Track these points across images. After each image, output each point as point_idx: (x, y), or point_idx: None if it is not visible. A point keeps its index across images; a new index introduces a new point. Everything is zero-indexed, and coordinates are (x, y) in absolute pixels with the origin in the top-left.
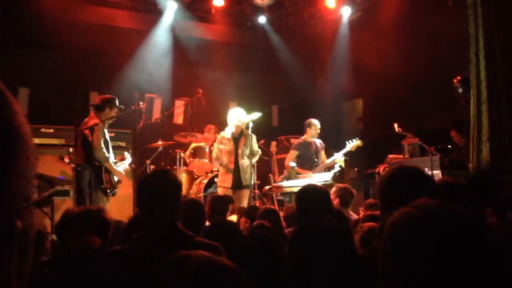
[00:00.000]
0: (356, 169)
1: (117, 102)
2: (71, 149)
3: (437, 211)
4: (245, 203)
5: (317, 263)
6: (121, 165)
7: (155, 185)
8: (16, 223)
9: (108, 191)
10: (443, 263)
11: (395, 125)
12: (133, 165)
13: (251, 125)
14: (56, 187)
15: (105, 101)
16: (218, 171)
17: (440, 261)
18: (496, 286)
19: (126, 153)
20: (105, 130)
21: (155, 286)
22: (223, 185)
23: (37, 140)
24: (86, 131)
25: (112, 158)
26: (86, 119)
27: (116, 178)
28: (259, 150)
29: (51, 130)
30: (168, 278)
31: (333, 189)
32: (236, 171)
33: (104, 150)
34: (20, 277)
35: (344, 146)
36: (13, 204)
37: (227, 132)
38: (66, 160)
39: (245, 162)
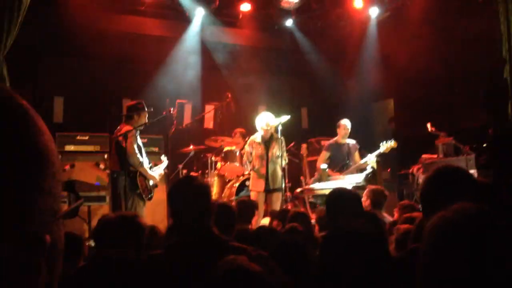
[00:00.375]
0: (389, 170)
1: (144, 106)
2: (106, 156)
3: (476, 215)
4: (277, 206)
5: (348, 267)
6: (157, 169)
7: (181, 191)
8: (45, 238)
9: (144, 196)
10: (481, 268)
11: (428, 125)
12: (165, 170)
13: (280, 128)
14: (82, 199)
15: (131, 109)
16: (249, 174)
17: (479, 265)
18: None
19: (163, 157)
20: (138, 136)
21: None
22: (256, 189)
23: (72, 147)
24: (120, 138)
25: (146, 163)
26: (119, 127)
27: (151, 183)
28: (286, 155)
29: (86, 138)
30: (202, 283)
31: (366, 191)
32: (268, 175)
33: (138, 156)
34: None
35: (375, 147)
36: (41, 221)
37: (257, 136)
38: (102, 166)
39: (275, 162)
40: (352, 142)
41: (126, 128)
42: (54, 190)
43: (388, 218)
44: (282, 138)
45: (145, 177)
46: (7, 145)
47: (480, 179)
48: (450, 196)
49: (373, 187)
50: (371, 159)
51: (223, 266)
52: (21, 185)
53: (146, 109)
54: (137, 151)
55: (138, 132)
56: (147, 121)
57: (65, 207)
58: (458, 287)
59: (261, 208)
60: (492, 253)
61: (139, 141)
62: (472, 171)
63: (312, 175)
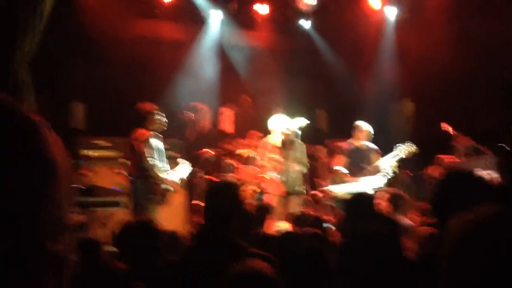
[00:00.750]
0: (407, 171)
1: (153, 108)
2: (123, 160)
3: (499, 216)
4: (295, 210)
5: (366, 271)
6: (173, 173)
7: (217, 198)
8: (52, 249)
9: (156, 199)
10: (506, 270)
11: (445, 125)
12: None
13: (299, 132)
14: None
15: (142, 112)
16: (267, 178)
17: (503, 267)
18: None
19: (180, 159)
20: (154, 140)
21: None
22: (274, 192)
23: (94, 153)
24: (134, 142)
25: (163, 167)
26: (135, 130)
27: (164, 186)
28: (307, 163)
29: (107, 143)
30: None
31: (384, 194)
32: (286, 179)
33: (149, 159)
34: None
35: (392, 148)
36: (49, 232)
37: (276, 140)
38: (121, 171)
39: (294, 166)
40: (371, 145)
41: (140, 131)
42: (62, 202)
43: (407, 221)
44: (303, 143)
45: (159, 181)
46: (13, 156)
47: (495, 181)
48: (464, 199)
49: (391, 190)
50: (389, 163)
51: (237, 269)
52: (27, 196)
53: (156, 111)
54: (148, 154)
55: (154, 135)
56: (164, 123)
57: (78, 217)
58: None
59: (280, 211)
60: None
61: (157, 144)
62: (491, 172)
63: (328, 177)
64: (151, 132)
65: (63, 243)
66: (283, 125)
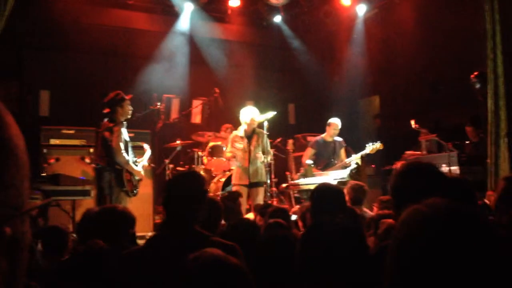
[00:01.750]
0: (373, 166)
1: (123, 96)
2: (91, 150)
3: (449, 210)
4: (260, 201)
5: (327, 263)
6: (141, 162)
7: (180, 188)
8: (5, 230)
9: (129, 192)
10: (450, 263)
11: (412, 122)
12: (152, 165)
13: (266, 124)
14: (51, 198)
15: (112, 102)
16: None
17: (447, 261)
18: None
19: (145, 146)
20: (124, 130)
21: (170, 285)
22: (238, 182)
23: (58, 141)
24: (106, 134)
25: (131, 158)
26: (104, 121)
27: (137, 178)
28: (271, 151)
29: (72, 131)
30: (179, 277)
31: (346, 187)
32: (250, 169)
33: (124, 154)
34: (11, 284)
35: (361, 143)
36: (2, 214)
37: (240, 131)
38: (87, 160)
39: (260, 156)
40: (339, 139)
41: (111, 124)
42: (18, 184)
43: (369, 213)
44: (265, 132)
45: (131, 173)
46: None
47: (452, 176)
48: (420, 191)
49: (352, 182)
50: (356, 160)
51: (199, 258)
52: None
53: (126, 99)
54: (122, 147)
55: (125, 125)
56: (130, 113)
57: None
58: (425, 280)
59: (244, 202)
60: (461, 247)
61: (126, 135)
62: (454, 168)
63: (297, 171)
64: (121, 123)
65: (19, 227)
66: (248, 115)
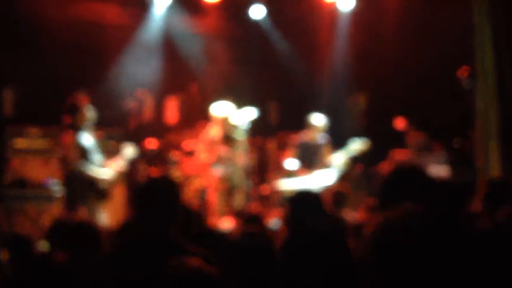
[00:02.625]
0: (360, 166)
1: (76, 103)
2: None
3: (413, 217)
4: (239, 204)
5: (308, 268)
6: (113, 164)
7: (151, 193)
8: None
9: (96, 196)
10: (413, 268)
11: (398, 120)
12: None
13: (247, 124)
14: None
15: (69, 109)
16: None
17: (411, 265)
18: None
19: (125, 145)
20: (84, 134)
21: None
22: (217, 187)
23: (24, 142)
24: (63, 145)
25: (97, 162)
26: (64, 134)
27: (101, 184)
28: (250, 156)
29: (39, 130)
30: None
31: (327, 191)
32: (230, 173)
33: (81, 165)
34: None
35: (346, 141)
36: None
37: (217, 131)
38: (57, 163)
39: (238, 160)
40: (322, 137)
41: (69, 137)
42: None
43: (353, 215)
44: (244, 131)
45: (97, 178)
46: None
47: (440, 179)
48: (407, 195)
49: (334, 187)
50: (341, 160)
51: (175, 268)
52: None
53: (80, 107)
54: (78, 157)
55: (89, 127)
56: (93, 119)
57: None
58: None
59: (223, 206)
60: (418, 257)
61: (87, 139)
62: (443, 167)
63: (279, 172)
64: (79, 129)
65: None
66: (225, 115)
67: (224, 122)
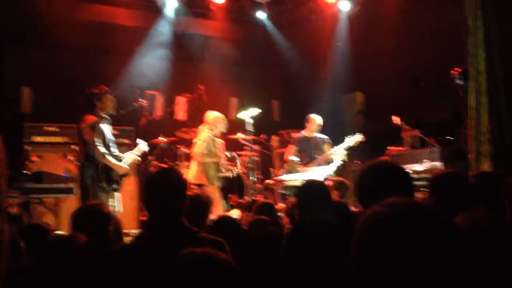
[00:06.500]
0: (358, 162)
1: (101, 90)
2: (72, 147)
3: (406, 210)
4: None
5: (313, 259)
6: (128, 156)
7: (161, 184)
8: None
9: (107, 187)
10: (409, 263)
11: (394, 117)
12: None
13: (251, 121)
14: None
15: (89, 97)
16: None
17: (406, 260)
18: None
19: (138, 140)
20: (104, 125)
21: (160, 282)
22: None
23: (41, 139)
24: (84, 128)
25: (114, 152)
26: (84, 117)
27: (119, 173)
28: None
29: (55, 129)
30: (170, 274)
31: (330, 183)
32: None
33: (99, 147)
34: None
35: (344, 139)
36: None
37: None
38: (70, 157)
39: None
40: (321, 136)
41: (90, 118)
42: None
43: (353, 209)
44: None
45: (110, 168)
46: None
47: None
48: (383, 190)
49: (335, 178)
50: (339, 152)
51: (190, 254)
52: None
53: (104, 93)
54: (99, 141)
55: (108, 120)
56: (113, 106)
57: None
58: (375, 282)
59: (219, 201)
60: (411, 249)
61: (107, 130)
62: (437, 163)
63: (282, 167)
64: (100, 117)
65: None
66: (221, 126)
67: (217, 130)
